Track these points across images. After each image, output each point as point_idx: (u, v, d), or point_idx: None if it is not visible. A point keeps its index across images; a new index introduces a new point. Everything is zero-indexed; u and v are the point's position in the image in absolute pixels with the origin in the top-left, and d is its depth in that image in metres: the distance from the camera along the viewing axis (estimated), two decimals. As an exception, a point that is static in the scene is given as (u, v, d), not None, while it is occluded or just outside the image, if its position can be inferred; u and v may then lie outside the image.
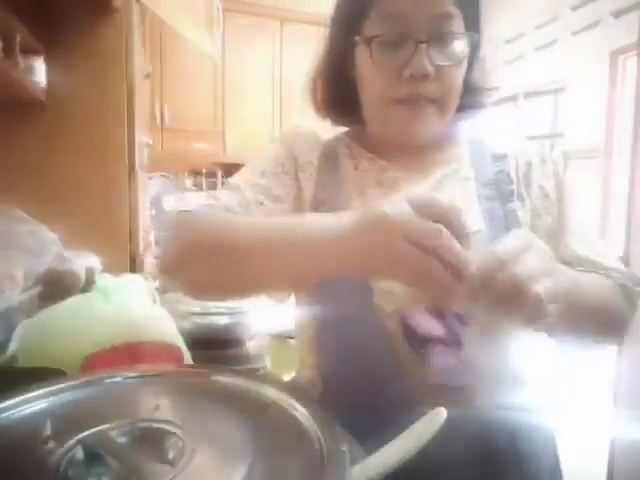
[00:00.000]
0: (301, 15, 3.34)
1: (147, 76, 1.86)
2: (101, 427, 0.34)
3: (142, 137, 1.64)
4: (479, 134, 0.77)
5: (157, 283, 1.60)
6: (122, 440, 0.33)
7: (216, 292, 0.62)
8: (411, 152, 0.70)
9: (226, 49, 3.00)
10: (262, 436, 0.33)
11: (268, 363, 1.16)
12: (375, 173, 0.70)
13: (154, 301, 1.00)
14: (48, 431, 0.35)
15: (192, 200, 0.64)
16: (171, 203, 2.72)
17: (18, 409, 0.37)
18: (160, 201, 2.64)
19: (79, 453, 0.31)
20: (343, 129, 0.80)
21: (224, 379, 0.43)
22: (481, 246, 0.61)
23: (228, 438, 0.33)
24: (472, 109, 0.74)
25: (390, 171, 0.70)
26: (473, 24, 0.66)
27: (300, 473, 0.30)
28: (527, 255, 0.44)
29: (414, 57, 0.62)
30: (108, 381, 0.43)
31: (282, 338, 1.59)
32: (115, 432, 0.33)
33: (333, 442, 0.32)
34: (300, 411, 0.36)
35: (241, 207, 0.64)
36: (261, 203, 0.66)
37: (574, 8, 3.30)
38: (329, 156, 0.73)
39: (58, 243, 0.94)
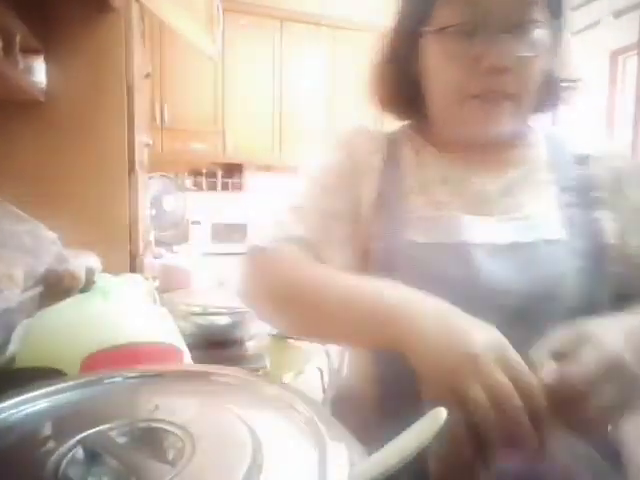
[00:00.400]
0: (301, 15, 3.34)
1: (147, 76, 1.86)
2: (101, 427, 0.34)
3: (142, 137, 1.64)
4: (558, 132, 0.70)
5: (157, 283, 1.60)
6: (122, 440, 0.33)
7: (286, 332, 0.68)
8: (480, 149, 0.65)
9: (226, 49, 3.00)
10: (262, 436, 0.33)
11: (268, 363, 1.16)
12: (440, 169, 0.65)
13: (154, 301, 1.00)
14: (48, 431, 0.35)
15: (261, 229, 0.66)
16: (171, 203, 2.72)
17: (18, 409, 0.37)
18: (160, 201, 2.64)
19: (79, 453, 0.31)
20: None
21: (224, 379, 0.43)
22: (561, 257, 0.58)
23: (228, 438, 0.33)
24: (550, 103, 0.68)
25: (456, 168, 0.65)
26: (556, 9, 0.60)
27: (301, 473, 0.30)
28: (605, 383, 0.41)
29: (493, 48, 0.56)
30: (108, 381, 0.43)
31: (282, 338, 1.58)
32: (115, 432, 0.33)
33: (334, 442, 0.32)
34: (301, 411, 0.36)
35: (307, 232, 0.64)
36: (325, 226, 0.64)
37: (574, 8, 3.30)
38: (392, 152, 0.69)
39: (58, 243, 0.94)
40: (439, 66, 0.61)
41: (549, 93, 0.65)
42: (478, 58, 0.57)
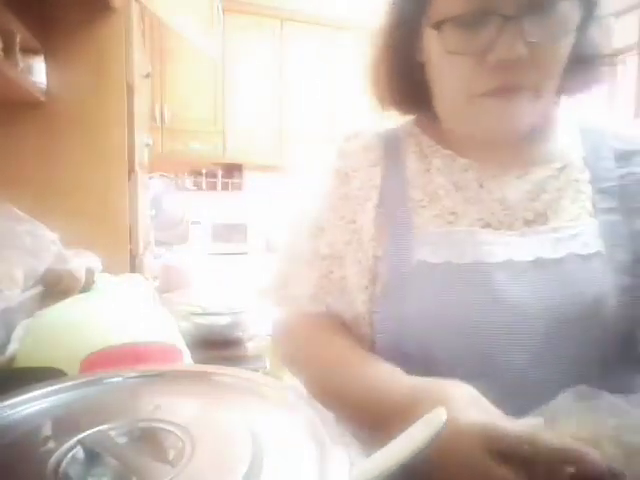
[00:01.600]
0: (301, 15, 3.34)
1: (147, 76, 1.86)
2: (101, 427, 0.34)
3: (142, 137, 1.64)
4: (596, 122, 0.60)
5: (157, 283, 1.60)
6: (122, 440, 0.33)
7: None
8: (498, 146, 0.56)
9: (226, 49, 3.00)
10: (262, 436, 0.33)
11: (268, 364, 1.16)
12: (453, 174, 0.57)
13: (154, 301, 1.00)
14: (48, 431, 0.35)
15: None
16: (171, 203, 2.72)
17: (18, 409, 0.37)
18: (160, 201, 2.64)
19: (79, 453, 0.31)
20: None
21: (224, 379, 0.43)
22: (599, 273, 0.50)
23: (228, 438, 0.33)
24: (585, 85, 0.57)
25: (473, 171, 0.57)
26: None
27: (301, 474, 0.30)
28: None
29: (500, 38, 0.47)
30: (108, 381, 0.43)
31: (282, 338, 1.57)
32: (115, 432, 0.33)
33: (334, 443, 0.32)
34: (300, 412, 0.36)
35: (309, 287, 0.61)
36: (330, 272, 0.61)
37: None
38: (394, 158, 0.60)
39: (58, 243, 0.94)
40: (441, 62, 0.53)
41: (579, 73, 0.55)
42: (483, 52, 0.48)
